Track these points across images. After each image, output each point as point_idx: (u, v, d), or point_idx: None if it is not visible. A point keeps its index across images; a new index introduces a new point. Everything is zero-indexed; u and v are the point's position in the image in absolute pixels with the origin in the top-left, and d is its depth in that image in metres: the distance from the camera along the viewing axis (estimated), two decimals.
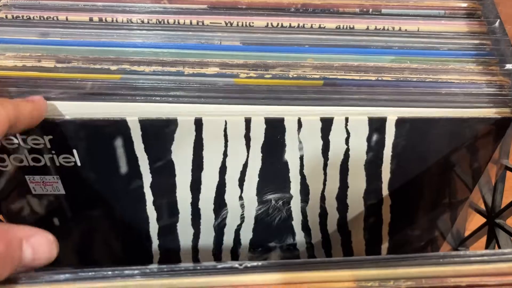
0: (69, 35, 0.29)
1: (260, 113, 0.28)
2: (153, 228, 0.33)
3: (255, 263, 0.20)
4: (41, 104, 0.26)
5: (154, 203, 0.32)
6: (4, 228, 0.21)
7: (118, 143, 0.28)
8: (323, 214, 0.34)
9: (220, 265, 0.20)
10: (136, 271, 0.20)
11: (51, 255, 0.21)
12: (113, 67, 0.28)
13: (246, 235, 0.35)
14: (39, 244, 0.21)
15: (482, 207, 0.38)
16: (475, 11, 0.32)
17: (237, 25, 0.31)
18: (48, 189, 0.30)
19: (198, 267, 0.20)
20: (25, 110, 0.25)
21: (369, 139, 0.29)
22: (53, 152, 0.28)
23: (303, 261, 0.21)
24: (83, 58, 0.28)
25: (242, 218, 0.34)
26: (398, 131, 0.29)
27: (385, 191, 0.33)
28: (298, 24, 0.31)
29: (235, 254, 0.36)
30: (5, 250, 0.19)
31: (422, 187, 0.34)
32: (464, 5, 0.33)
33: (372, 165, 0.31)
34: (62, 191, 0.30)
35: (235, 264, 0.20)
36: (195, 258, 0.37)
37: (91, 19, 0.30)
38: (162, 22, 0.30)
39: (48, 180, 0.29)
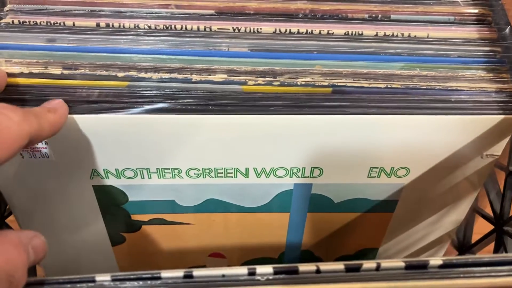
0: (76, 41, 0.29)
1: (267, 122, 0.28)
2: None
3: None
4: (63, 112, 0.26)
5: None
6: (16, 235, 0.21)
7: None
8: None
9: None
10: None
11: (45, 254, 0.23)
12: (120, 74, 0.28)
13: None
14: (38, 246, 0.22)
15: (490, 213, 0.38)
16: (485, 17, 0.32)
17: (245, 31, 0.30)
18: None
19: None
20: (48, 122, 0.24)
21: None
22: None
23: None
24: (90, 65, 0.28)
25: None
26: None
27: None
28: (307, 30, 0.31)
29: None
30: (26, 257, 0.21)
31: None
32: (474, 11, 0.32)
33: None
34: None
35: None
36: None
37: (98, 25, 0.30)
38: (169, 28, 0.30)
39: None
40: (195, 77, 0.28)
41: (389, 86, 0.29)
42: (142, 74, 0.28)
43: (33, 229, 0.23)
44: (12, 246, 0.20)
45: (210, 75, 0.28)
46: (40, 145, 0.28)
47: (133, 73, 0.28)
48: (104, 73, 0.28)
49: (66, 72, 0.28)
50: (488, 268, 0.22)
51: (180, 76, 0.28)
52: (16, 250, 0.20)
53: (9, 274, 0.20)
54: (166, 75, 0.28)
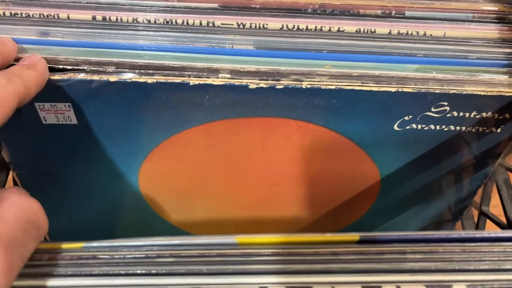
0: (70, 35, 0.27)
1: None
2: None
3: None
4: (43, 67, 0.26)
5: None
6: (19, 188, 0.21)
7: None
8: None
9: None
10: None
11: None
12: (112, 78, 0.26)
13: None
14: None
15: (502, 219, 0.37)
16: (506, 15, 0.30)
17: (250, 27, 0.29)
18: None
19: None
20: (31, 79, 0.24)
21: None
22: None
23: None
24: (84, 61, 0.26)
25: None
26: None
27: None
28: (316, 27, 0.29)
29: None
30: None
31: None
32: (494, 8, 0.30)
33: None
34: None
35: None
36: None
37: (94, 18, 0.28)
38: (170, 23, 0.28)
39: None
40: (193, 81, 0.26)
41: (400, 90, 0.27)
42: (136, 78, 0.26)
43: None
44: (20, 195, 0.21)
45: (209, 77, 0.26)
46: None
47: (127, 76, 0.26)
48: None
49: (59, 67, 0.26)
50: None
51: (177, 80, 0.26)
52: (25, 197, 0.21)
53: (31, 221, 0.20)
54: (162, 79, 0.26)
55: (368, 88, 0.27)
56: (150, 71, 0.27)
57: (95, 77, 0.27)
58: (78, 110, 0.29)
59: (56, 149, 0.31)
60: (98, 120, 0.29)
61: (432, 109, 0.29)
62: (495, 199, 0.39)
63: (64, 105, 0.28)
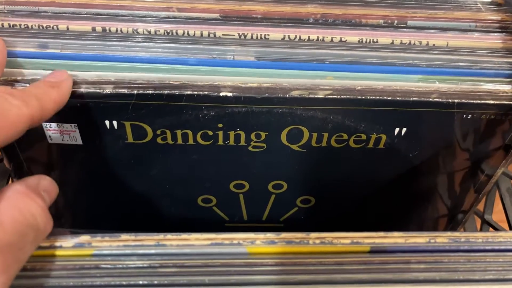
0: (69, 48, 0.27)
1: None
2: None
3: None
4: (68, 87, 0.25)
5: None
6: (22, 184, 0.21)
7: None
8: None
9: None
10: None
11: (56, 194, 0.23)
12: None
13: None
14: (47, 187, 0.22)
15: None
16: (509, 24, 0.30)
17: (252, 37, 0.28)
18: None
19: None
20: (51, 100, 0.23)
21: None
22: None
23: None
24: (82, 81, 0.26)
25: None
26: None
27: None
28: (318, 37, 0.29)
29: None
30: (42, 200, 0.21)
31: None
32: (497, 18, 0.30)
33: None
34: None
35: None
36: None
37: (94, 29, 0.28)
38: (170, 33, 0.28)
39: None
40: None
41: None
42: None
43: None
44: (21, 196, 0.20)
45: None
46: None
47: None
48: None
49: None
50: None
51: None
52: (28, 197, 0.20)
53: (29, 224, 0.20)
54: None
55: None
56: (149, 92, 0.26)
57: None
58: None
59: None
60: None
61: None
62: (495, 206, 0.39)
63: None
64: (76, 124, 0.28)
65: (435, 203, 0.37)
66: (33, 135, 0.28)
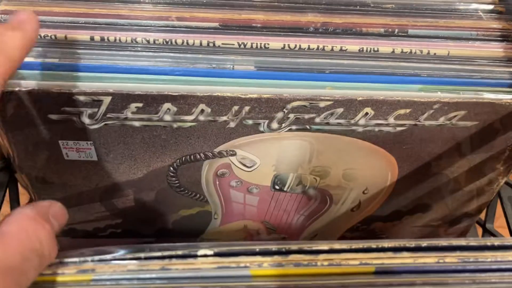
0: (67, 58, 0.27)
1: None
2: None
3: None
4: (32, 25, 0.21)
5: None
6: (31, 208, 0.21)
7: None
8: None
9: None
10: None
11: (66, 220, 0.23)
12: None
13: None
14: (57, 213, 0.22)
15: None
16: (510, 33, 0.30)
17: (251, 46, 0.28)
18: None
19: None
20: (15, 47, 0.20)
21: None
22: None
23: None
24: (79, 92, 0.26)
25: None
26: None
27: None
28: (318, 46, 0.28)
29: None
30: (50, 226, 0.20)
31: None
32: (498, 26, 0.30)
33: None
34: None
35: None
36: None
37: (92, 38, 0.28)
38: (169, 43, 0.28)
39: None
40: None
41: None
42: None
43: None
44: (30, 220, 0.20)
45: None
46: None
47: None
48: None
49: None
50: None
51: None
52: (37, 222, 0.20)
53: (34, 249, 0.19)
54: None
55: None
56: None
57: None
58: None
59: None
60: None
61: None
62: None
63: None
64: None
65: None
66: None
